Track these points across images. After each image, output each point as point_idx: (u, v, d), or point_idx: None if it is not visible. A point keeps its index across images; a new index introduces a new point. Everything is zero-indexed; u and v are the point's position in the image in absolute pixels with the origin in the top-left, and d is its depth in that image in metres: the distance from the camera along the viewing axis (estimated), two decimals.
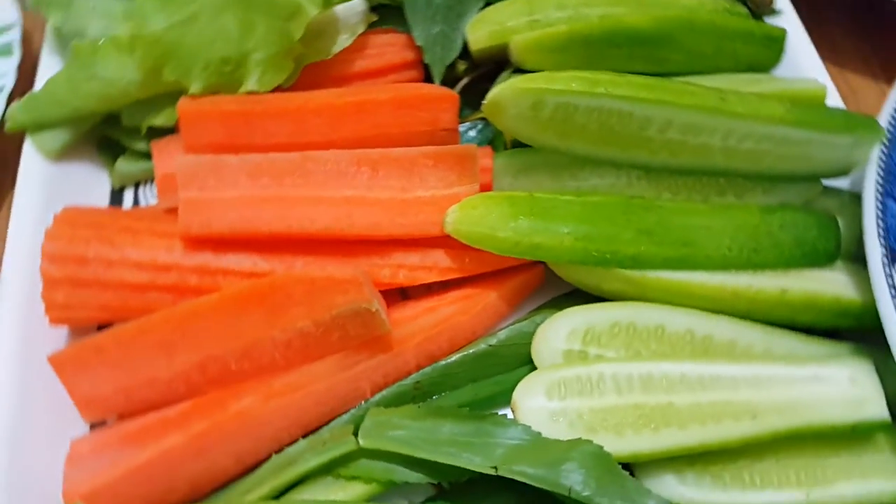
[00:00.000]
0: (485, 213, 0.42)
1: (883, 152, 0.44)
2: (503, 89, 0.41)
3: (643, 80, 0.41)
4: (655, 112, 0.40)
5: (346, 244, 0.43)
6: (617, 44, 0.46)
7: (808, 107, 0.42)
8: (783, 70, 0.52)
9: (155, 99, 0.46)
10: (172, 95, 0.45)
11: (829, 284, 0.43)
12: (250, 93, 0.45)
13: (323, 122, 0.45)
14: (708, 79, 0.48)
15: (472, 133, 0.51)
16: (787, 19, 0.55)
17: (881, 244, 0.41)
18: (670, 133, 0.41)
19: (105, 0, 0.45)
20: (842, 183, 0.47)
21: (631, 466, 0.40)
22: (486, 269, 0.45)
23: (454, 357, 0.43)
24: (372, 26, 0.50)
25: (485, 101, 0.41)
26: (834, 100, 0.50)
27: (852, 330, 0.44)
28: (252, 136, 0.44)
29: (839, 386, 0.40)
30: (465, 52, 0.50)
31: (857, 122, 0.43)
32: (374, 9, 0.50)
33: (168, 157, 0.45)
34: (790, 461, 0.40)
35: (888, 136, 0.44)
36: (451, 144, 0.46)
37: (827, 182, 0.47)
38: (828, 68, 0.52)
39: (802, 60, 0.52)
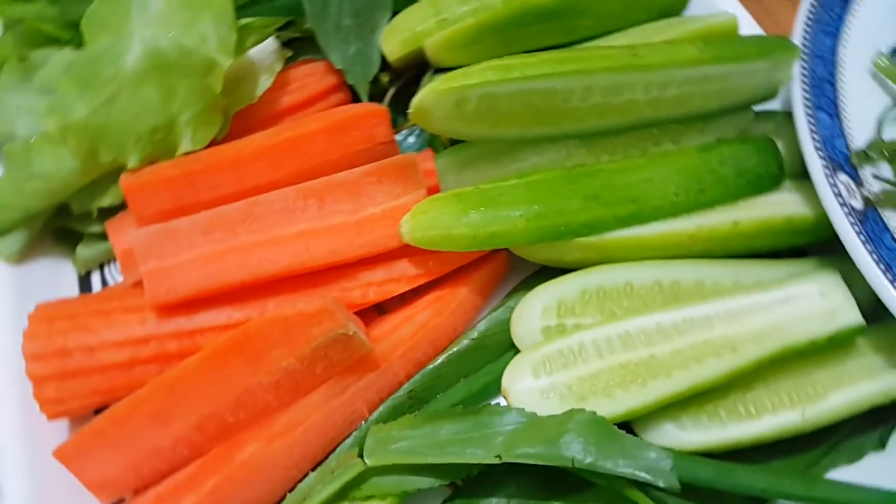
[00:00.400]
0: (436, 216, 0.43)
1: (804, 67, 0.44)
2: (424, 95, 0.41)
3: (555, 55, 0.41)
4: (573, 82, 0.41)
5: (312, 275, 0.44)
6: (526, 23, 0.47)
7: (721, 42, 0.43)
8: (696, 8, 0.52)
9: (98, 181, 0.47)
10: (114, 174, 0.46)
11: (780, 206, 0.44)
12: (187, 153, 0.46)
13: (263, 164, 0.46)
14: (622, 35, 0.49)
15: (411, 139, 0.52)
16: None
17: (820, 156, 0.42)
18: (593, 98, 0.42)
19: (28, 99, 0.46)
20: (774, 105, 0.48)
21: (630, 424, 0.41)
22: (451, 268, 0.46)
23: (440, 359, 0.44)
24: (289, 61, 0.50)
25: (409, 111, 0.42)
26: (750, 26, 0.50)
27: (813, 245, 0.45)
28: (198, 194, 0.45)
29: (810, 301, 0.41)
30: (385, 64, 0.51)
31: (772, 44, 0.44)
32: (286, 44, 0.51)
33: (123, 233, 0.46)
34: (780, 384, 0.41)
35: (805, 50, 0.45)
36: (392, 156, 0.47)
37: (759, 107, 0.48)
38: None
39: None
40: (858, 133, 0.44)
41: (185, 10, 0.43)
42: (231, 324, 0.43)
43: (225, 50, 0.44)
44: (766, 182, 0.44)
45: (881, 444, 0.42)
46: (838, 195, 0.41)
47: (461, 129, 0.43)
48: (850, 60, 0.46)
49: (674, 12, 0.51)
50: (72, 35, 0.47)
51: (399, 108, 0.50)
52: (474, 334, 0.45)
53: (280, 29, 0.50)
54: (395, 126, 0.51)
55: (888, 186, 0.42)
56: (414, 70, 0.51)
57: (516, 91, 0.41)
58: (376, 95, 0.51)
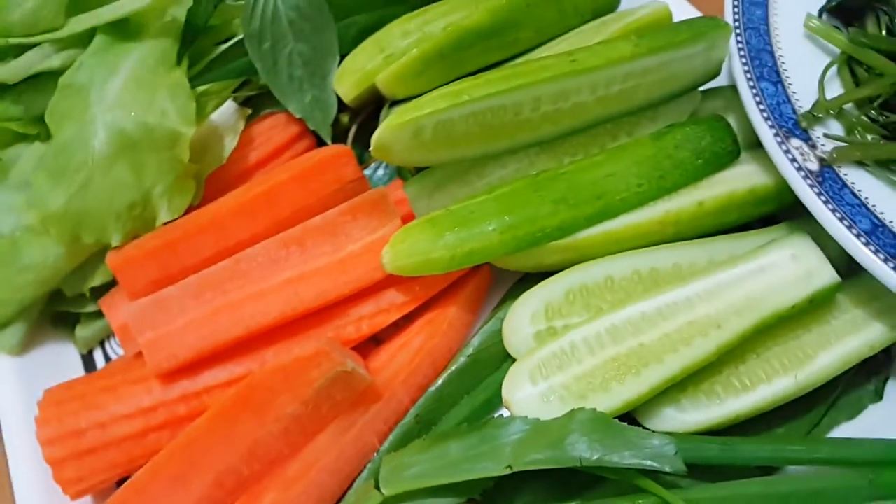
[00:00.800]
0: (413, 243, 0.44)
1: (739, 41, 0.46)
2: (382, 132, 0.43)
3: (498, 73, 0.43)
4: (521, 96, 0.42)
5: (305, 319, 0.46)
6: (468, 46, 0.48)
7: (653, 33, 0.44)
8: (628, 1, 0.53)
9: (86, 263, 0.48)
10: (100, 253, 0.48)
11: (741, 179, 0.45)
12: (166, 223, 0.47)
13: (241, 221, 0.47)
14: (563, 41, 0.51)
15: (380, 172, 0.53)
16: None
17: (770, 126, 0.43)
18: (543, 108, 0.43)
19: (6, 196, 0.47)
20: (721, 81, 0.49)
21: (632, 414, 0.42)
22: (437, 290, 0.47)
23: (440, 380, 0.45)
24: (251, 118, 0.52)
25: (371, 150, 0.43)
26: (683, 11, 0.51)
27: (781, 210, 0.46)
28: (182, 260, 0.46)
29: (784, 267, 0.42)
30: (343, 104, 0.52)
31: (703, 26, 0.45)
32: (245, 103, 0.52)
33: (118, 309, 0.47)
34: (770, 352, 0.42)
35: (738, 24, 0.46)
36: (363, 191, 0.48)
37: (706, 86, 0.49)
38: None
39: None
40: (804, 96, 0.45)
41: (142, 89, 0.45)
42: (234, 379, 0.44)
43: (186, 120, 0.46)
44: (722, 158, 0.45)
45: (878, 396, 0.43)
46: (793, 160, 0.42)
47: (423, 157, 0.45)
48: (783, 27, 0.47)
49: (608, 10, 0.53)
50: (39, 129, 0.48)
51: (364, 144, 0.51)
52: (470, 350, 0.46)
53: (236, 90, 0.52)
54: (363, 161, 0.52)
55: (840, 143, 0.43)
56: (372, 105, 0.53)
57: (468, 113, 0.43)
58: (339, 136, 0.52)
